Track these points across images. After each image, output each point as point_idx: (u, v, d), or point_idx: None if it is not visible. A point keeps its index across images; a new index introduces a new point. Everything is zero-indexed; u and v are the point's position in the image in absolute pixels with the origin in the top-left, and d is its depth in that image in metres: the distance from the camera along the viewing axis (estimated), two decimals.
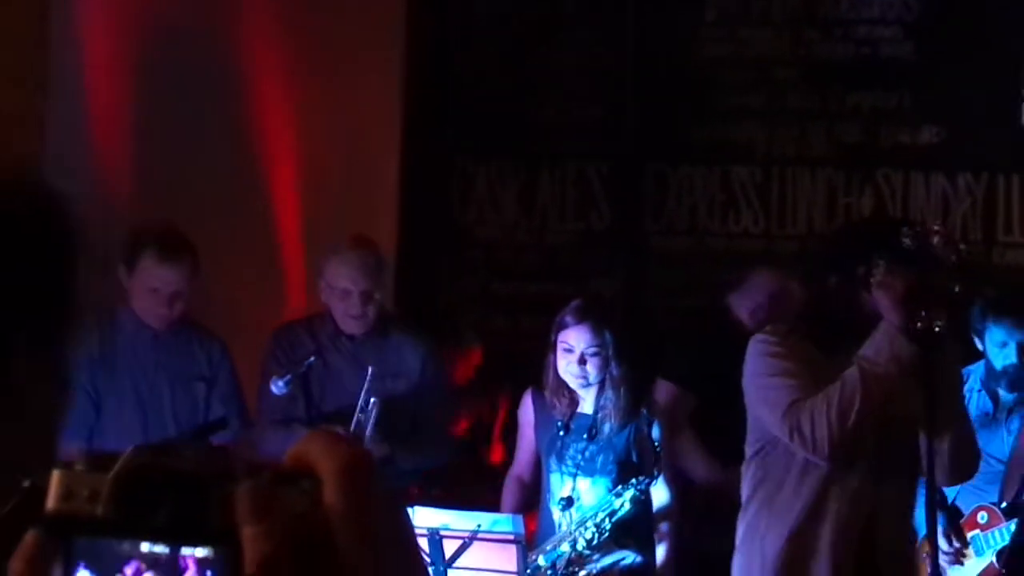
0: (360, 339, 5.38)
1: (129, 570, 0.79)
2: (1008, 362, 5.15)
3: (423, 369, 5.44)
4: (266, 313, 6.64)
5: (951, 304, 3.85)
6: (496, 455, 6.62)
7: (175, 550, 0.80)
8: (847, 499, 4.02)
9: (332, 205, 7.06)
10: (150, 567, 0.80)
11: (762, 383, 4.11)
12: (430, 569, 4.61)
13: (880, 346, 3.85)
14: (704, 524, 5.32)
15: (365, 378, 5.11)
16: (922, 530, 4.38)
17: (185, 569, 0.80)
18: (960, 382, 4.50)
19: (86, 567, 0.78)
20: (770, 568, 4.12)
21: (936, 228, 4.16)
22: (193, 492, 0.81)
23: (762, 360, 4.12)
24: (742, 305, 5.86)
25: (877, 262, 3.87)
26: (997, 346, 5.16)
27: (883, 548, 4.07)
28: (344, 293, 5.29)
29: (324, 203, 7.04)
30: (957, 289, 3.85)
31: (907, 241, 3.88)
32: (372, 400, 5.07)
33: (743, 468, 4.27)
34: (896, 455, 4.02)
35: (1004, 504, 5.14)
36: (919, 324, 3.78)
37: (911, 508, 4.13)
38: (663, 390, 5.64)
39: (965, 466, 4.18)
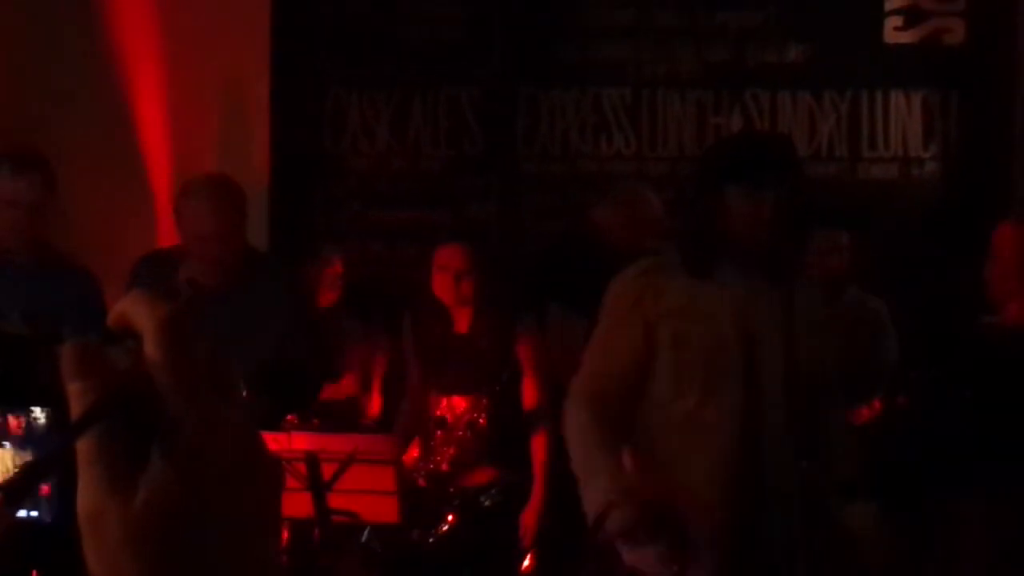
0: (222, 288, 4.98)
1: None
2: None
3: (290, 318, 5.20)
4: (137, 248, 6.58)
5: None
6: (374, 408, 6.62)
7: (2, 410, 0.81)
8: (715, 428, 3.99)
9: (203, 137, 7.00)
10: None
11: (594, 332, 4.15)
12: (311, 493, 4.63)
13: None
14: None
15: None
16: None
17: (13, 429, 0.82)
18: None
19: None
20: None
21: None
22: (19, 354, 0.82)
23: (603, 308, 4.13)
24: (606, 218, 5.89)
25: None
26: None
27: (771, 467, 3.99)
28: (200, 236, 5.00)
29: (195, 135, 6.97)
30: None
31: None
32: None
33: None
34: (774, 376, 4.01)
35: None
36: None
37: (807, 425, 3.98)
38: (552, 313, 5.66)
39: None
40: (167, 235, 6.71)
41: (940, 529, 5.13)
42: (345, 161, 7.56)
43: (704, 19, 7.48)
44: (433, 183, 7.50)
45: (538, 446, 5.19)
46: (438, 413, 5.16)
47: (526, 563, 5.33)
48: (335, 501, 4.68)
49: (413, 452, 5.32)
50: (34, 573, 2.39)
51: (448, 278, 5.14)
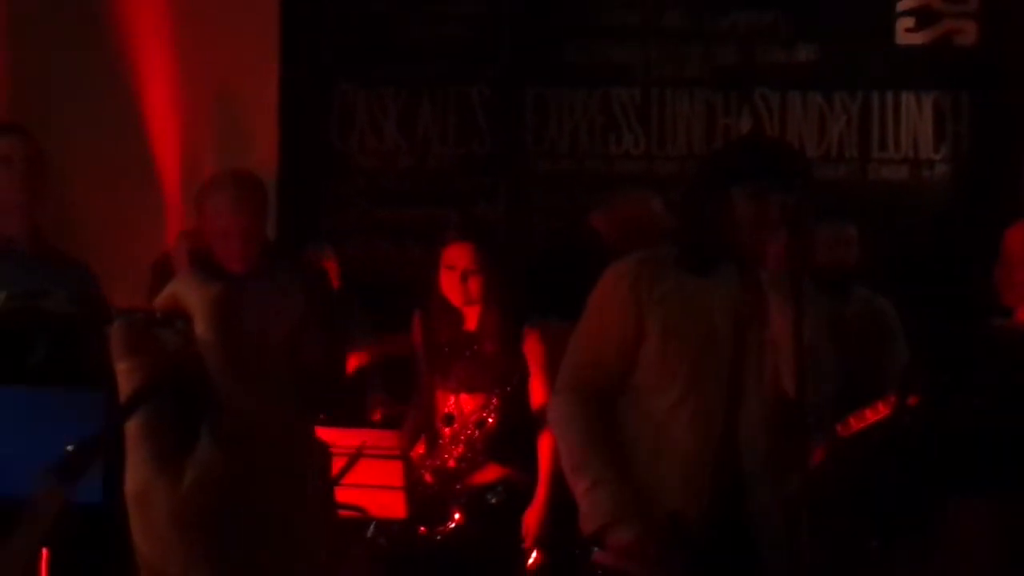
0: (243, 282, 4.97)
1: None
2: None
3: (306, 312, 5.14)
4: (144, 245, 6.58)
5: None
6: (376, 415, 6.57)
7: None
8: (692, 426, 3.94)
9: (211, 135, 7.00)
10: None
11: (579, 324, 4.14)
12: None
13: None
14: None
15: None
16: None
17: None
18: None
19: None
20: None
21: None
22: (67, 334, 0.81)
23: (591, 298, 4.12)
24: (606, 223, 5.86)
25: None
26: None
27: (749, 466, 3.95)
28: (223, 233, 4.98)
29: (203, 132, 6.97)
30: None
31: None
32: None
33: None
34: (757, 375, 4.00)
35: None
36: None
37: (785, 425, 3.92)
38: (555, 328, 5.63)
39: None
40: (175, 232, 6.71)
41: (948, 530, 5.13)
42: (353, 159, 7.57)
43: (713, 19, 7.48)
44: (441, 181, 7.51)
45: (544, 446, 5.18)
46: (446, 410, 5.15)
47: (531, 561, 5.32)
48: (342, 495, 4.67)
49: (419, 448, 5.32)
50: (45, 551, 2.39)
51: (455, 277, 5.13)
